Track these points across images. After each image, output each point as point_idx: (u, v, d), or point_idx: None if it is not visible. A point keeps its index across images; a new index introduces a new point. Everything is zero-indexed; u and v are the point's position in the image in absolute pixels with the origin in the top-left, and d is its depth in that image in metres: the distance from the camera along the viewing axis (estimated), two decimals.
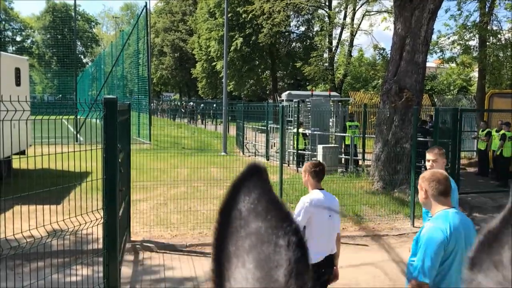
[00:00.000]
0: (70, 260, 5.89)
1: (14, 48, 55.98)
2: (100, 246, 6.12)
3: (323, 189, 3.91)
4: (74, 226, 2.96)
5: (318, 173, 3.86)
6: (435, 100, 26.20)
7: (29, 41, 60.87)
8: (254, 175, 0.39)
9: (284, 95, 17.54)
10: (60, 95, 42.82)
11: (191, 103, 38.31)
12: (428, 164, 4.23)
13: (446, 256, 2.77)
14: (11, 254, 2.99)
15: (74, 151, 2.98)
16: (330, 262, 3.81)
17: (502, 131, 12.73)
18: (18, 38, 59.37)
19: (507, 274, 0.34)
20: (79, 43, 55.30)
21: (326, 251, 3.79)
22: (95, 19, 65.72)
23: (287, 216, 0.36)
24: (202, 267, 6.22)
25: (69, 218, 3.04)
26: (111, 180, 2.95)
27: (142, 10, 19.89)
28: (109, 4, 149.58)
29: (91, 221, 3.17)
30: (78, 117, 20.58)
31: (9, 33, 56.90)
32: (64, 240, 5.21)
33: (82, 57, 59.01)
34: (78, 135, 18.65)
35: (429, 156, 4.29)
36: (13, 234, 2.87)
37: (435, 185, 2.87)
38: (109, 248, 2.98)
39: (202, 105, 35.10)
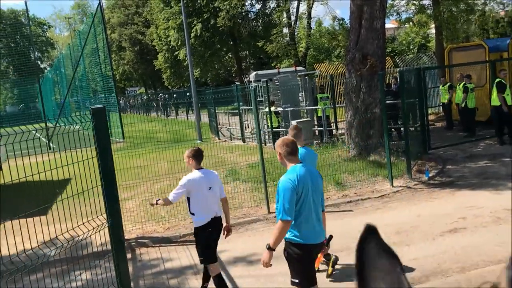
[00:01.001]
0: (79, 267, 6.01)
1: None
2: (95, 249, 6.28)
3: (202, 168, 4.87)
4: (82, 233, 3.12)
5: (198, 156, 4.82)
6: (397, 61, 26.77)
7: None
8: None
9: (251, 76, 17.68)
10: (23, 104, 41.68)
11: (161, 95, 37.96)
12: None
13: (298, 198, 3.67)
14: (20, 271, 3.12)
15: (72, 163, 3.10)
16: (215, 222, 4.83)
17: (463, 83, 13.25)
18: None
19: None
20: (33, 49, 53.63)
21: (211, 215, 4.78)
22: (47, 23, 63.74)
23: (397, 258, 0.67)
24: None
25: (73, 228, 3.19)
26: (110, 184, 3.11)
27: (97, 7, 19.52)
28: (59, 5, 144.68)
29: (93, 228, 3.33)
30: (49, 125, 20.28)
31: None
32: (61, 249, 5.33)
33: (39, 62, 57.37)
34: (51, 143, 18.41)
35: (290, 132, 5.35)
36: (23, 252, 3.00)
37: (285, 148, 3.81)
38: (117, 249, 3.16)
39: (175, 95, 34.84)
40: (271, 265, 3.75)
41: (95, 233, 3.18)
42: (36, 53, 48.09)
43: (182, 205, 8.49)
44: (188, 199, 4.82)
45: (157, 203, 4.98)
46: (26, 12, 22.74)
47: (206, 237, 4.79)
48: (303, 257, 3.77)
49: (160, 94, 38.53)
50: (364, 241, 0.66)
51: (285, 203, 3.61)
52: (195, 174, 4.79)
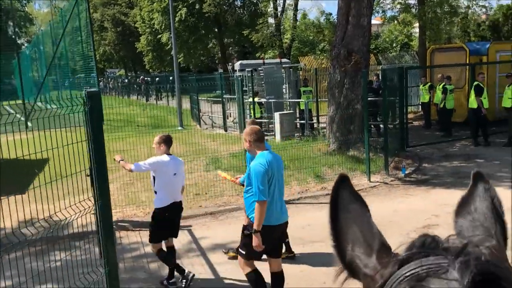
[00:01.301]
0: (65, 247, 6.01)
1: None
2: (76, 230, 6.29)
3: (171, 154, 5.15)
4: (71, 215, 3.16)
5: (168, 142, 5.08)
6: (380, 58, 27.06)
7: None
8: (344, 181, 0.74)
9: (236, 65, 17.67)
10: None
11: (142, 77, 37.49)
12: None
13: (268, 179, 4.01)
14: (9, 251, 3.14)
15: (68, 144, 3.12)
16: (174, 206, 5.12)
17: (443, 84, 13.55)
18: None
19: (476, 217, 0.69)
20: (11, 24, 52.24)
21: (171, 199, 5.07)
22: None
23: (366, 205, 0.74)
24: (179, 239, 6.51)
25: (66, 208, 3.24)
26: (101, 166, 3.16)
27: None
28: None
29: (85, 208, 3.37)
30: (26, 102, 19.87)
31: None
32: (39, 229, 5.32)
33: (16, 38, 55.84)
34: (28, 122, 18.09)
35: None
36: (18, 231, 3.02)
37: (253, 136, 4.14)
38: (105, 228, 3.23)
39: (157, 79, 34.49)
40: (263, 247, 4.00)
41: (85, 213, 3.23)
42: (14, 28, 46.84)
43: None
44: (154, 177, 5.10)
45: (119, 162, 5.23)
46: None
47: (163, 220, 5.10)
48: (261, 236, 4.02)
49: (142, 76, 38.06)
50: (338, 188, 0.76)
51: (259, 185, 3.92)
52: (165, 157, 5.03)
